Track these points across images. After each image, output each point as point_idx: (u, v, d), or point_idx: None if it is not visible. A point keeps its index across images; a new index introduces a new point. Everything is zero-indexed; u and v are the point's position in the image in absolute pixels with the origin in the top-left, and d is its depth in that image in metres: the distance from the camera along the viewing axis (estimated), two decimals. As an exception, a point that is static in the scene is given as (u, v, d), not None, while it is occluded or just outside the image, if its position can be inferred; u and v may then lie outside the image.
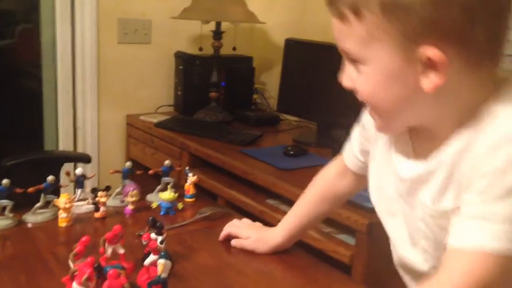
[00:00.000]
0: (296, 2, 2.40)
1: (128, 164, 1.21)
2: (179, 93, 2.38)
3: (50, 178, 1.10)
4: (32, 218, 1.10)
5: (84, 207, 1.14)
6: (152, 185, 1.26)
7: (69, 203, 1.08)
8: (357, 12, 0.65)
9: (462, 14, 0.61)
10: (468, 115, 0.68)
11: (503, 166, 0.63)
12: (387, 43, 0.65)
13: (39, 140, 2.38)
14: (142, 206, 1.19)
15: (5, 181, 1.06)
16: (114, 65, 2.33)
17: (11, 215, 1.07)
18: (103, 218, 1.12)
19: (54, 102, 2.30)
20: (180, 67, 2.35)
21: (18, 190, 1.07)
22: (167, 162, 1.25)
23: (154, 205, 1.19)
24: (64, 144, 2.31)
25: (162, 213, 1.15)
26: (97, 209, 1.12)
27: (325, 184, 1.03)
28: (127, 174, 1.21)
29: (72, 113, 2.30)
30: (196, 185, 1.25)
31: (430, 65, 0.64)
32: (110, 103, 2.35)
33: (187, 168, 1.29)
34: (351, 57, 0.70)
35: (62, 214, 1.08)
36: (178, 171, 1.37)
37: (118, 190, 1.20)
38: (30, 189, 1.07)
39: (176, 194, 1.17)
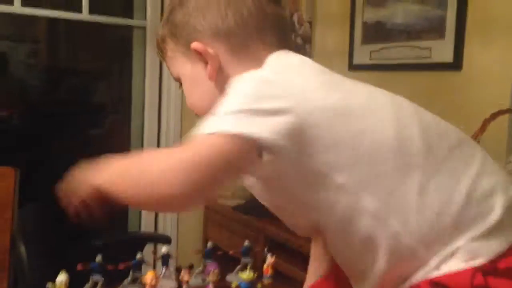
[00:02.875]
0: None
1: (210, 244, 1.26)
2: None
3: (139, 256, 1.17)
4: (121, 293, 1.16)
5: (168, 285, 1.19)
6: (228, 267, 1.30)
7: (155, 280, 1.13)
8: (163, 41, 0.82)
9: (214, 15, 0.76)
10: None
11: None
12: (179, 56, 0.80)
13: (124, 220, 2.51)
14: (222, 285, 1.22)
15: (98, 258, 1.13)
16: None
17: (102, 290, 1.14)
18: (185, 296, 1.17)
19: (139, 186, 2.45)
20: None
21: (110, 267, 1.14)
22: (246, 243, 1.29)
23: (234, 285, 1.22)
24: (146, 224, 2.42)
25: (241, 293, 1.18)
26: (180, 287, 1.17)
27: None
28: (209, 254, 1.25)
29: (154, 195, 2.43)
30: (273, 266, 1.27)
31: (202, 57, 0.76)
32: (190, 186, 2.45)
33: (265, 249, 1.32)
34: (176, 81, 0.83)
35: (148, 291, 1.13)
36: (255, 253, 1.40)
37: (199, 269, 1.25)
38: (121, 266, 1.14)
39: (255, 275, 1.20)
